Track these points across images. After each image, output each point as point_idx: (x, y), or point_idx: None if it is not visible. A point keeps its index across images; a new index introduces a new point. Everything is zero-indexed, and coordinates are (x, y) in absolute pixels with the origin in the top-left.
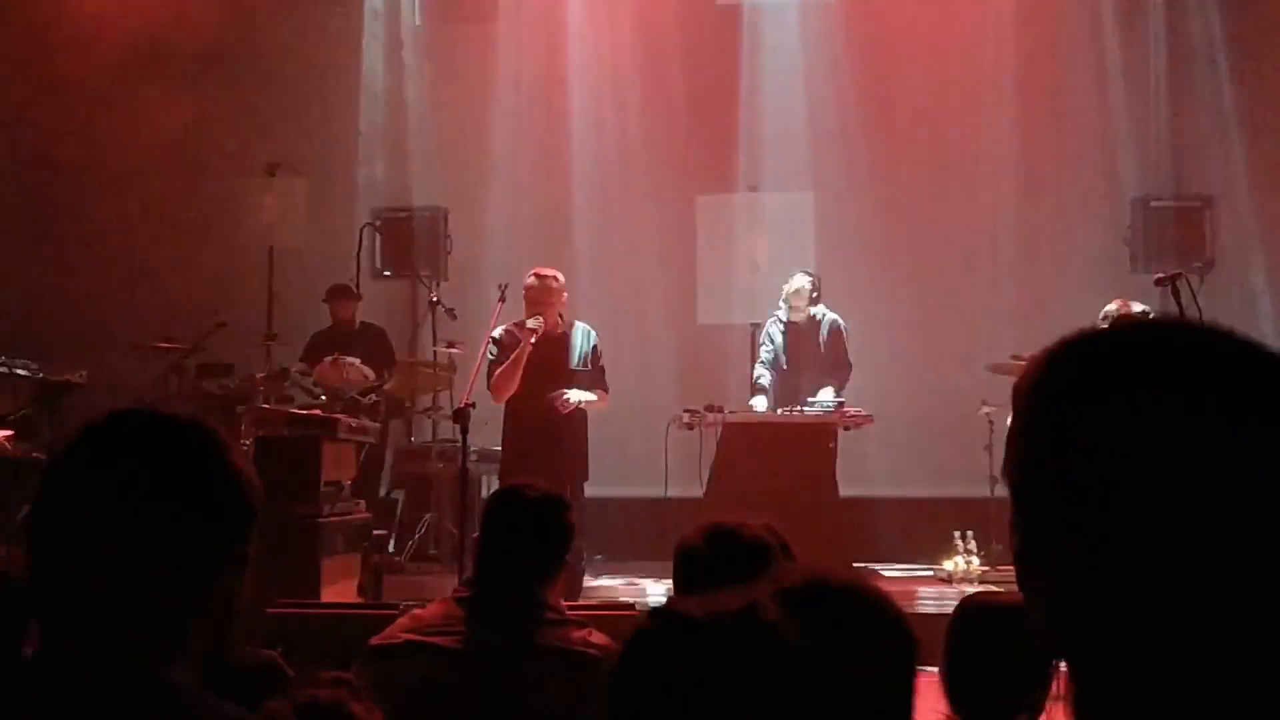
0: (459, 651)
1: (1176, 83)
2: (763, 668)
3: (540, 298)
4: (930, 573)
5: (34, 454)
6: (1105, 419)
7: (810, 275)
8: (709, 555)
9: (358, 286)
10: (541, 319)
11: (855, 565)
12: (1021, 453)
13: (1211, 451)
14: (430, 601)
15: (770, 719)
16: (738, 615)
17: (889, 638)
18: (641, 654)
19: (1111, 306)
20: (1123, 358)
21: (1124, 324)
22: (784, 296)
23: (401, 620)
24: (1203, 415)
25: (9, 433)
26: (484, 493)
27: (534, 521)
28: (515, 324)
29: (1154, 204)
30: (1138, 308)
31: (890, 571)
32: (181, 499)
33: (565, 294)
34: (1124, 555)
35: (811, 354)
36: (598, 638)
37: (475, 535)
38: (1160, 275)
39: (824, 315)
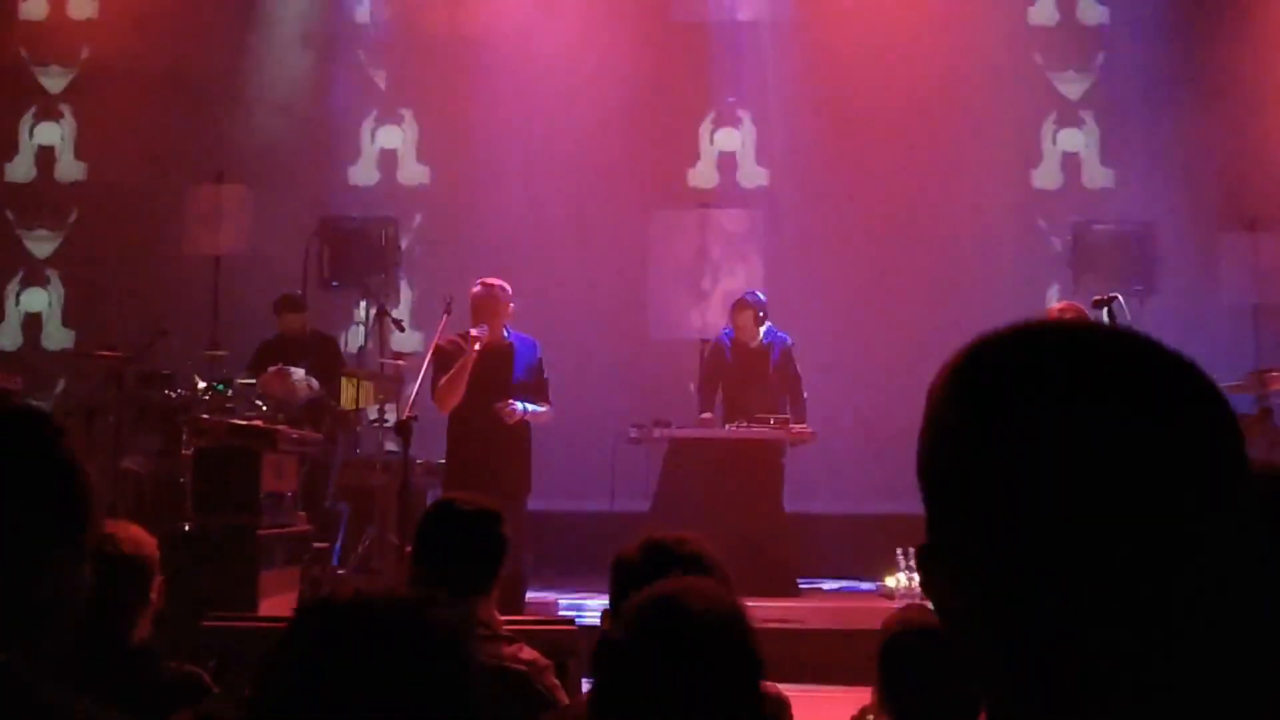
0: None
1: (1118, 109)
2: (407, 650)
3: (486, 306)
4: (874, 589)
5: None
6: (996, 419)
7: (755, 299)
8: (643, 568)
9: (304, 296)
10: (487, 328)
11: (800, 582)
12: (925, 453)
13: (1100, 448)
14: None
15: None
16: (382, 600)
17: (730, 657)
18: (291, 643)
19: (1054, 306)
20: (1016, 360)
21: (1023, 327)
22: (735, 323)
23: None
24: (1092, 413)
25: None
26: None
27: (468, 535)
28: (460, 334)
29: (1096, 227)
30: (1081, 309)
31: (833, 587)
32: (10, 488)
33: (511, 305)
34: (1014, 552)
35: (761, 372)
36: (526, 653)
37: (408, 549)
38: (1098, 297)
39: (774, 336)
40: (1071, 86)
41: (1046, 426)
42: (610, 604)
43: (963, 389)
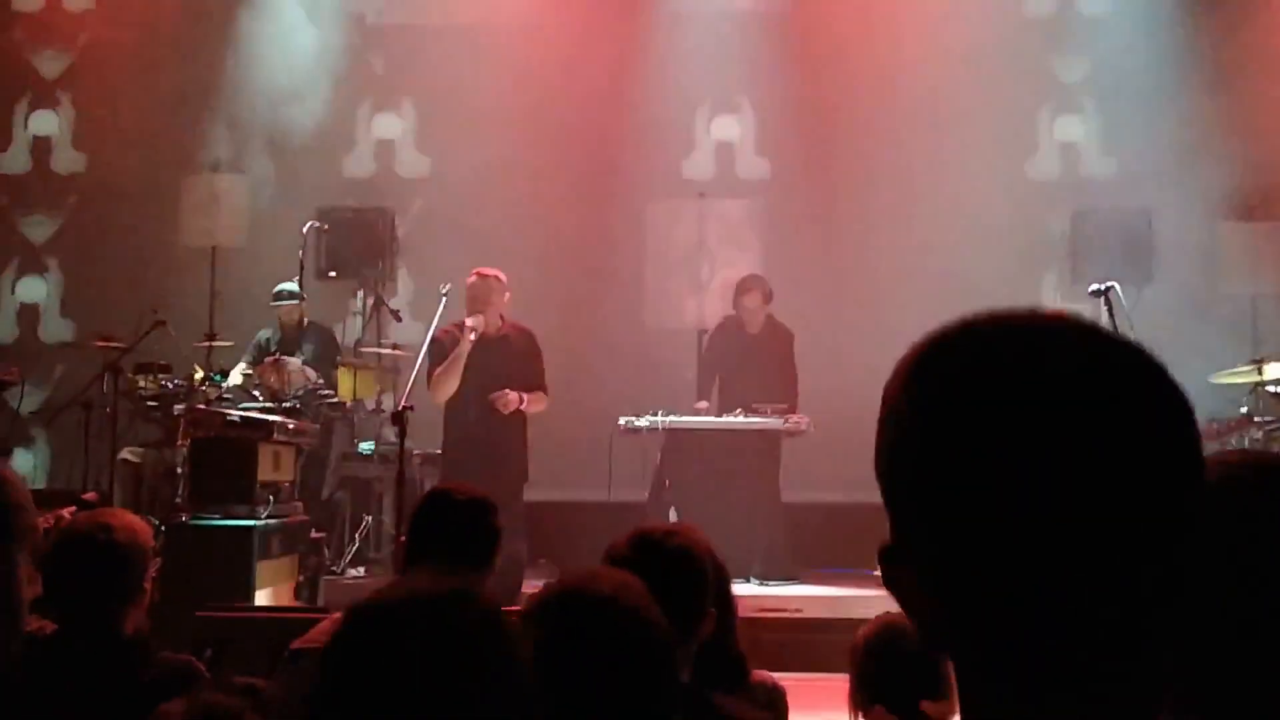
0: None
1: (1117, 97)
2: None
3: (481, 296)
4: (873, 576)
5: None
6: (950, 417)
7: (761, 281)
8: (633, 562)
9: (301, 286)
10: (482, 317)
11: (791, 572)
12: (881, 452)
13: (1054, 444)
14: None
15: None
16: (416, 599)
17: (637, 649)
18: (343, 642)
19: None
20: (967, 357)
21: (974, 322)
22: (740, 302)
23: (324, 624)
24: (1044, 409)
25: None
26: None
27: (461, 525)
28: (455, 324)
29: (1094, 216)
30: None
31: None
32: None
33: (507, 294)
34: (972, 551)
35: (760, 360)
36: None
37: (401, 538)
38: (1095, 287)
39: (775, 326)
40: (1070, 74)
41: (1000, 423)
42: None
43: (915, 387)
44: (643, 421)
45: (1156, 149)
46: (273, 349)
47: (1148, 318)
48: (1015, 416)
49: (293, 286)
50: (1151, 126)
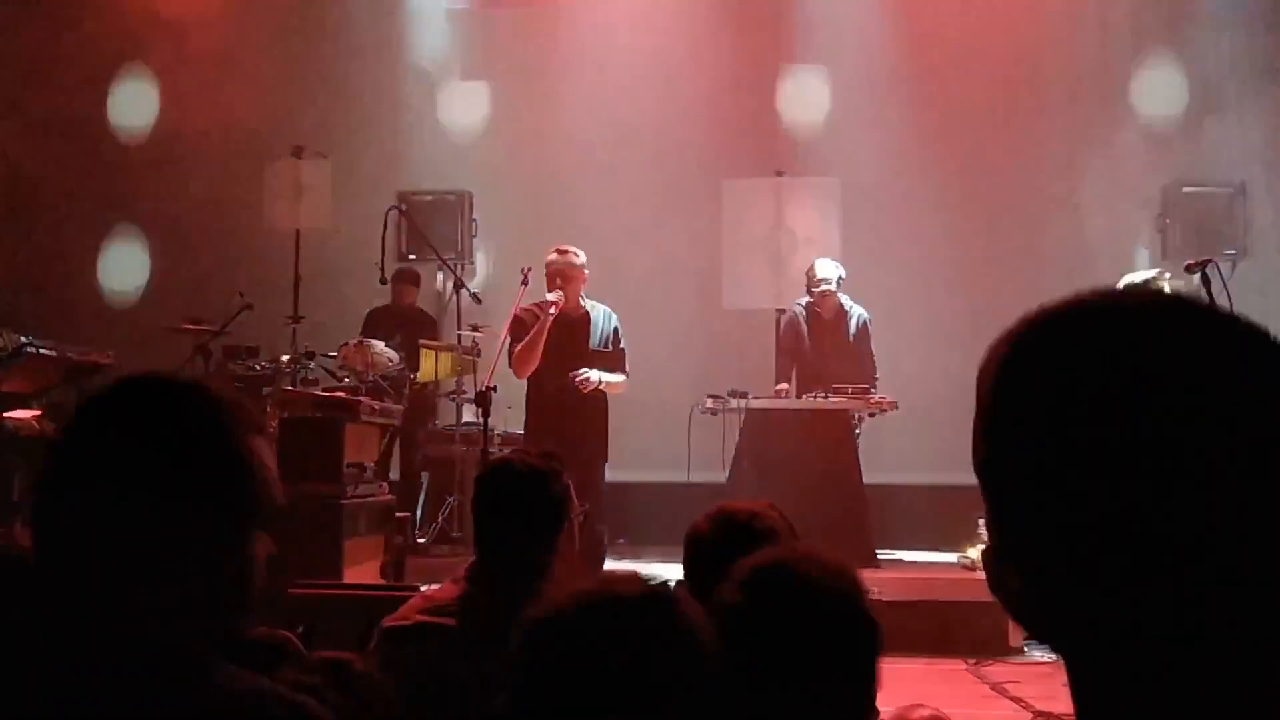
0: (463, 630)
1: (1210, 68)
2: (664, 646)
3: (561, 272)
4: (954, 560)
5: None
6: (1069, 401)
7: (837, 265)
8: (714, 542)
9: (383, 269)
10: (562, 294)
11: (879, 553)
12: (985, 443)
13: (1182, 429)
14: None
15: (671, 694)
16: (639, 596)
17: (846, 627)
18: (551, 628)
19: (1135, 277)
20: (1086, 336)
21: (1084, 300)
22: (811, 285)
23: (414, 601)
24: (1169, 391)
25: (37, 412)
26: None
27: (519, 493)
28: (536, 303)
29: (1186, 190)
30: (1165, 282)
31: (913, 557)
32: (184, 469)
33: (586, 271)
34: (1095, 554)
35: (837, 342)
36: None
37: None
38: (1190, 262)
39: (851, 307)
40: (1162, 46)
41: (1128, 409)
42: (685, 577)
43: (1024, 373)
44: (735, 403)
45: (1249, 120)
46: (379, 327)
47: (1242, 294)
48: (1144, 401)
49: (413, 269)
50: (1244, 97)
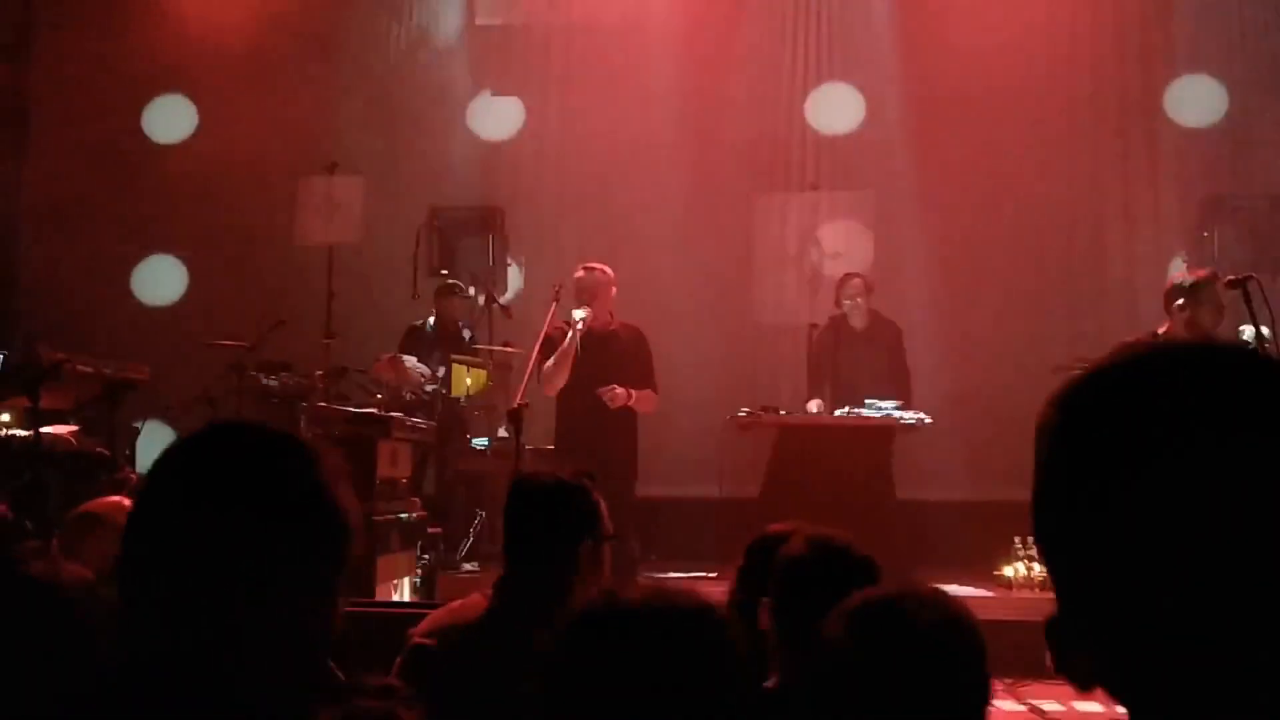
0: (489, 643)
1: (1248, 77)
2: (706, 662)
3: (588, 289)
4: (990, 579)
5: (98, 449)
6: (1128, 461)
7: (861, 275)
8: (813, 567)
9: (416, 284)
10: (589, 310)
11: (905, 570)
12: (1044, 506)
13: (1265, 492)
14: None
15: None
16: (687, 609)
17: (964, 660)
18: (585, 634)
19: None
20: (1141, 393)
21: (1135, 357)
22: (842, 299)
23: (438, 614)
24: (1249, 449)
25: (74, 428)
26: None
27: (546, 508)
28: (566, 321)
29: (1225, 203)
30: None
31: (948, 582)
32: (281, 521)
33: (613, 288)
34: (1175, 628)
35: (869, 357)
36: None
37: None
38: (1231, 278)
39: (882, 321)
40: (1200, 51)
41: (1200, 468)
42: (774, 598)
43: (1088, 432)
44: (764, 417)
45: None
46: (416, 344)
47: None
48: (1224, 459)
49: (458, 284)
50: None
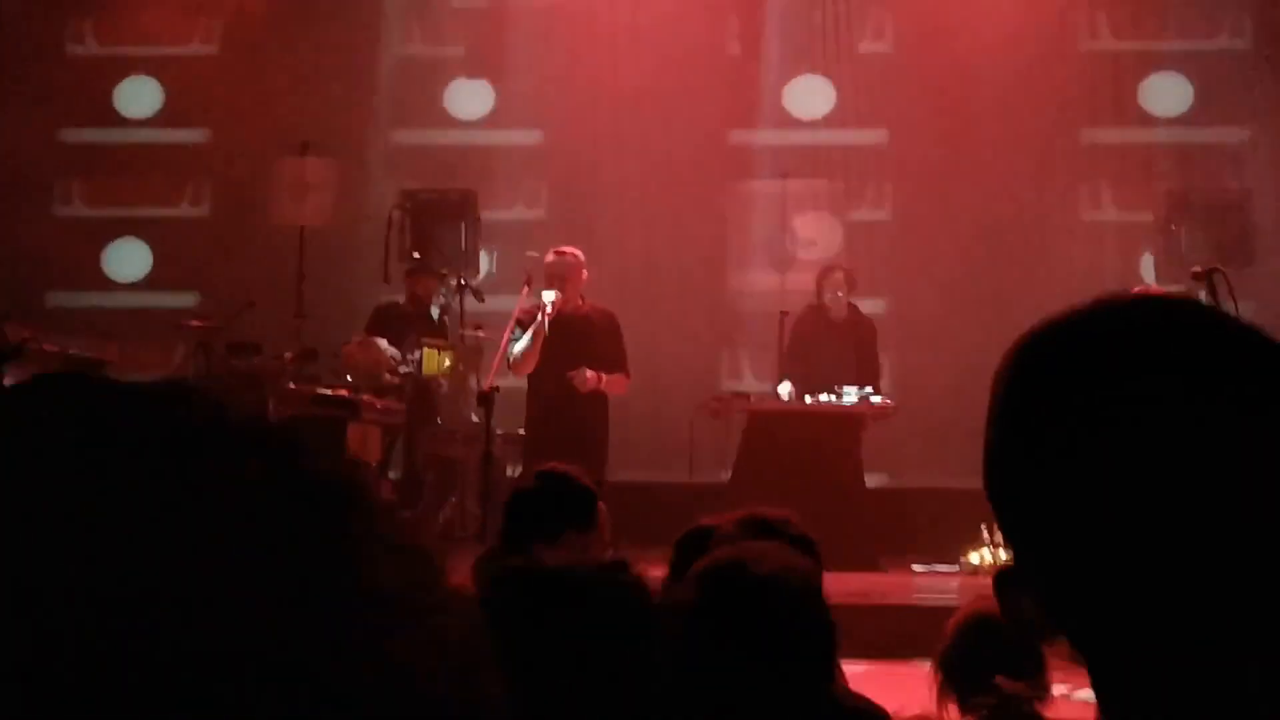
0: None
1: (1215, 73)
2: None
3: (559, 273)
4: (956, 566)
5: None
6: (1079, 408)
7: (843, 267)
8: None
9: (387, 267)
10: (559, 294)
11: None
12: (993, 459)
13: (1213, 443)
14: None
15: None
16: (597, 569)
17: (802, 602)
18: (502, 597)
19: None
20: (1093, 342)
21: (1088, 309)
22: (824, 291)
23: None
24: (1199, 402)
25: None
26: (509, 474)
27: (554, 509)
28: (536, 304)
29: (1193, 196)
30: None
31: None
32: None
33: (584, 271)
34: (1117, 576)
35: (844, 349)
36: None
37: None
38: (1197, 269)
39: (858, 314)
40: (1171, 47)
41: (1148, 419)
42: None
43: (1039, 380)
44: (735, 403)
45: (1259, 125)
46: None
47: (1250, 303)
48: (1173, 411)
49: (430, 264)
50: (1255, 102)
